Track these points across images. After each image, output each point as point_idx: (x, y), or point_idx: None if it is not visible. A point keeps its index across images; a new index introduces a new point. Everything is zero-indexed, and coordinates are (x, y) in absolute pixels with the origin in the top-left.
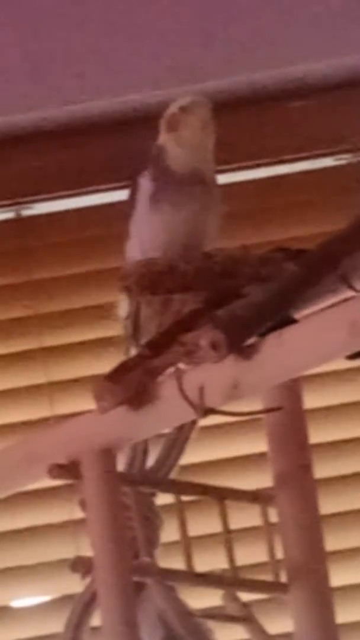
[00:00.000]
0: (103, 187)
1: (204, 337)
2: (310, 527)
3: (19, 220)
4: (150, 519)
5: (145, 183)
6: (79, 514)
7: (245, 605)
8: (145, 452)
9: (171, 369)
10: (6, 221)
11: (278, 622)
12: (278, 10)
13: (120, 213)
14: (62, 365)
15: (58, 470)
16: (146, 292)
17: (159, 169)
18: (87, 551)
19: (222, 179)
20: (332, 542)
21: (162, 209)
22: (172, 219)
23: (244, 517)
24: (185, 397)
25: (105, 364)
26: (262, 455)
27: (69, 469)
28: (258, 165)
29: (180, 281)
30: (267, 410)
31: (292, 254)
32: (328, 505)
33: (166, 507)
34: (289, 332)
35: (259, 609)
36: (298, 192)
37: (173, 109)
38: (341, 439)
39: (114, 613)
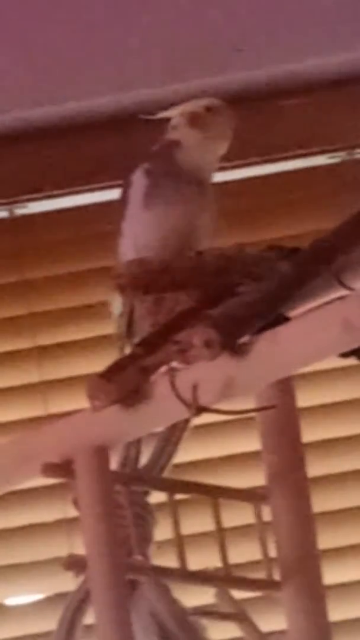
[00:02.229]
0: (96, 185)
1: (198, 335)
2: (304, 525)
3: (12, 220)
4: (144, 517)
5: (138, 181)
6: (72, 512)
7: (239, 603)
8: (138, 451)
9: (164, 368)
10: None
11: (271, 620)
12: (270, 8)
13: (114, 212)
14: (55, 364)
15: (51, 468)
16: (139, 291)
17: (163, 163)
18: (80, 549)
19: (216, 177)
20: (325, 540)
21: (156, 207)
22: (165, 217)
23: (237, 515)
24: (179, 396)
25: (99, 363)
26: (255, 453)
27: (63, 468)
28: (251, 164)
29: (173, 280)
30: (260, 409)
31: (286, 253)
32: (321, 503)
33: (159, 506)
34: (282, 330)
35: (252, 607)
36: (291, 191)
37: (194, 107)
38: (334, 437)
39: (107, 611)
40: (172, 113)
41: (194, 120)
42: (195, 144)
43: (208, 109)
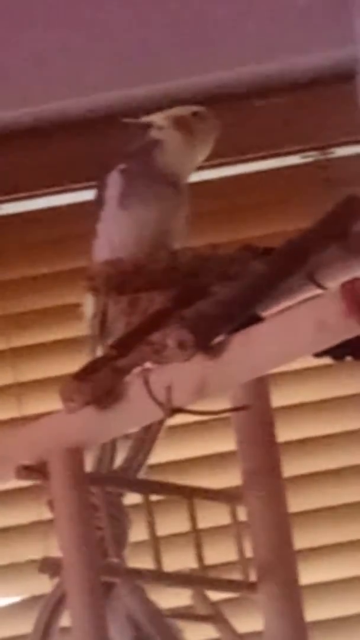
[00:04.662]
0: (70, 187)
1: (171, 336)
2: (279, 525)
3: None
4: (119, 519)
5: (114, 182)
6: (47, 514)
7: (215, 604)
8: (113, 452)
9: (138, 369)
10: None
11: (247, 621)
12: (242, 9)
13: (88, 213)
14: (30, 365)
15: (26, 470)
16: (113, 291)
17: (140, 163)
18: (56, 552)
19: (190, 177)
20: (301, 540)
21: (131, 208)
22: (140, 218)
23: (213, 516)
24: (153, 397)
25: (73, 364)
26: (230, 453)
27: (37, 470)
28: (225, 164)
29: (147, 280)
30: (234, 409)
31: (259, 252)
32: (297, 503)
33: (134, 507)
34: (256, 330)
35: (228, 608)
36: (265, 191)
37: (182, 111)
38: (309, 437)
39: (83, 613)
40: (158, 117)
41: (180, 123)
42: (178, 147)
43: (195, 114)
